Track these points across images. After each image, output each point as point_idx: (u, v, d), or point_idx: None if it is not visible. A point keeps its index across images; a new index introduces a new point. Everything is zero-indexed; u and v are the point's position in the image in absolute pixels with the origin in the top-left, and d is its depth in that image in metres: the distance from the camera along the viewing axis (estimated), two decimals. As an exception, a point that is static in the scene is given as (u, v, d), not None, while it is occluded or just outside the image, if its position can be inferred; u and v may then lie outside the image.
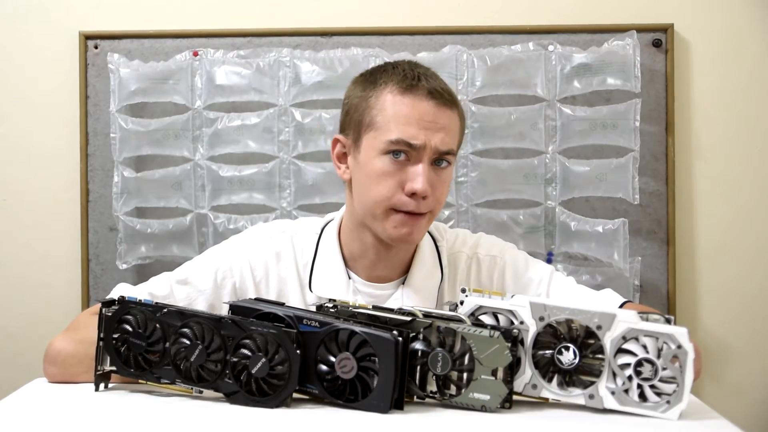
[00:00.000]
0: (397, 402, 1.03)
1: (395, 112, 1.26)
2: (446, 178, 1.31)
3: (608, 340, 1.02)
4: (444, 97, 1.27)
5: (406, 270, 1.38)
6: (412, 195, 1.26)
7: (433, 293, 1.37)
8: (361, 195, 1.31)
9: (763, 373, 2.10)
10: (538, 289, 1.38)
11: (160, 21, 2.11)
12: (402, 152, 1.26)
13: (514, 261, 1.41)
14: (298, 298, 1.38)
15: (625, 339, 1.02)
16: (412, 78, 1.28)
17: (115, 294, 1.33)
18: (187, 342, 1.08)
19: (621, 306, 1.31)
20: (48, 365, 1.23)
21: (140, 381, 1.12)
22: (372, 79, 1.32)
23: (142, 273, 2.06)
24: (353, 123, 1.32)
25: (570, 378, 1.04)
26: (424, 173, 1.25)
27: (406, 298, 1.36)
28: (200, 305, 1.36)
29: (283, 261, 1.39)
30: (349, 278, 1.37)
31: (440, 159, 1.28)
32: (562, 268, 1.99)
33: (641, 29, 2.03)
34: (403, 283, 1.37)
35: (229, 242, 1.44)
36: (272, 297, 1.38)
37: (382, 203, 1.28)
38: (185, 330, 1.08)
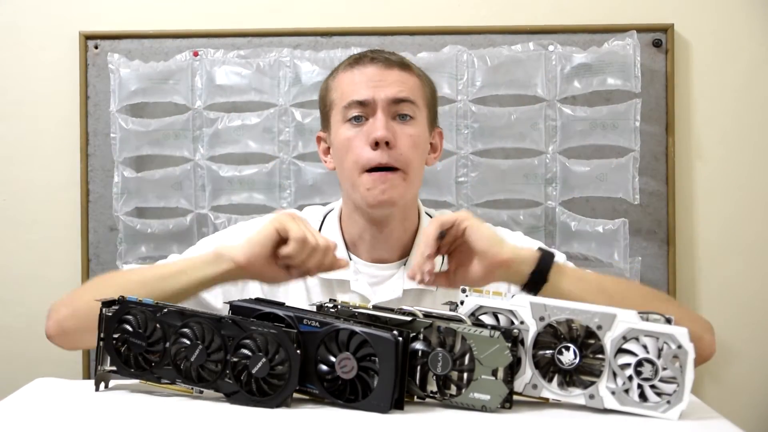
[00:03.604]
0: (397, 402, 1.03)
1: (345, 84, 1.35)
2: (412, 132, 1.34)
3: (608, 340, 1.02)
4: (390, 60, 1.35)
5: (407, 252, 1.40)
6: (376, 146, 1.30)
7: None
8: (341, 171, 1.37)
9: (763, 373, 2.09)
10: None
11: (160, 21, 2.11)
12: (358, 117, 1.33)
13: (524, 242, 1.42)
14: (299, 282, 1.39)
15: (625, 339, 1.02)
16: (360, 55, 1.38)
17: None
18: (187, 342, 1.08)
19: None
20: (46, 323, 1.29)
21: (140, 381, 1.12)
22: (331, 72, 1.43)
23: (142, 273, 2.06)
24: (323, 114, 1.42)
25: (570, 378, 1.04)
26: (380, 120, 1.31)
27: (407, 278, 1.36)
28: None
29: None
30: (350, 259, 1.38)
31: (401, 114, 1.32)
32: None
33: (641, 29, 2.03)
34: (405, 265, 1.38)
35: (234, 226, 1.53)
36: None
37: (354, 167, 1.33)
38: (185, 330, 1.08)
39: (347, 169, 1.35)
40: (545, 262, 1.17)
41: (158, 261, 1.44)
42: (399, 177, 1.32)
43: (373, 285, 1.38)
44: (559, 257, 1.41)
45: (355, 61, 1.37)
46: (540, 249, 1.20)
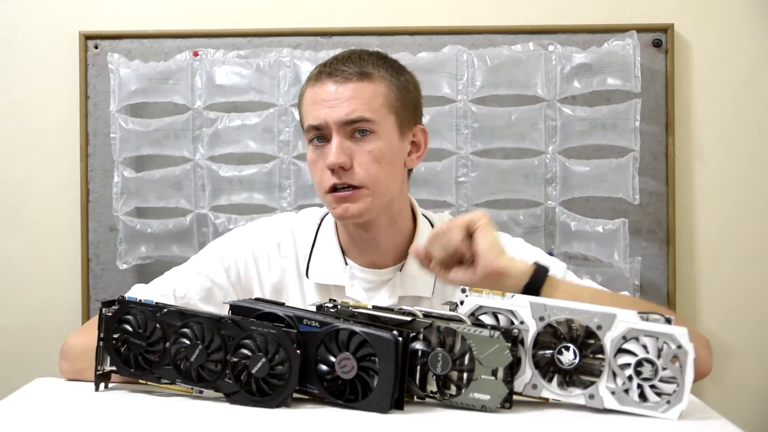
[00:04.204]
0: (397, 402, 1.03)
1: (307, 103, 1.34)
2: (372, 148, 1.31)
3: (608, 340, 1.02)
4: (346, 73, 1.31)
5: (403, 256, 1.39)
6: (333, 171, 1.30)
7: (429, 280, 1.37)
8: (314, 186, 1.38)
9: (763, 373, 2.10)
10: None
11: (160, 21, 2.11)
12: (320, 137, 1.32)
13: (524, 252, 1.40)
14: (296, 289, 1.40)
15: (625, 339, 1.02)
16: (321, 66, 1.35)
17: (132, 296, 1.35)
18: (187, 342, 1.08)
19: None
20: (61, 361, 1.26)
21: (140, 381, 1.12)
22: (306, 80, 1.39)
23: (142, 273, 2.06)
24: (300, 123, 1.40)
25: (570, 378, 1.04)
26: (334, 146, 1.30)
27: (403, 285, 1.36)
28: (216, 294, 1.38)
29: (284, 252, 1.42)
30: (346, 264, 1.38)
31: (359, 130, 1.30)
32: (563, 268, 1.99)
33: (641, 29, 2.03)
34: (401, 270, 1.38)
35: (233, 234, 1.47)
36: (273, 286, 1.41)
37: (319, 188, 1.34)
38: (185, 330, 1.08)
39: (315, 187, 1.36)
40: (538, 277, 1.16)
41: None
42: (362, 194, 1.31)
43: (369, 290, 1.37)
44: (559, 267, 1.40)
45: (316, 76, 1.34)
46: (535, 263, 1.19)
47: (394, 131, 1.33)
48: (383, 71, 1.34)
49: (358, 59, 1.34)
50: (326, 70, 1.33)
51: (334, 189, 1.31)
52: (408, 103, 1.36)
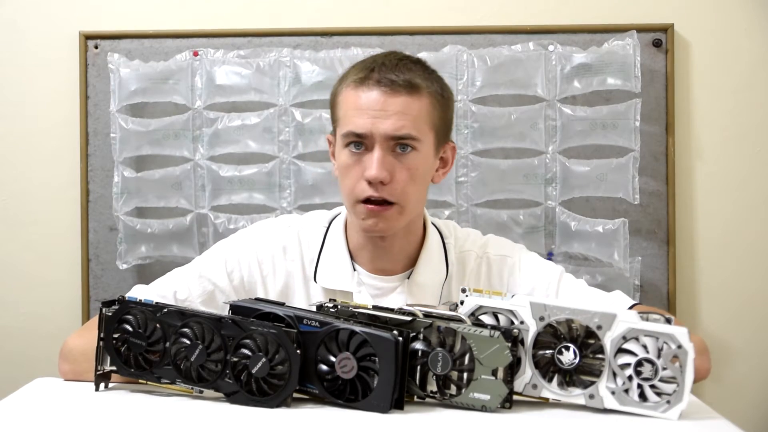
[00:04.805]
0: (397, 402, 1.03)
1: (348, 106, 1.30)
2: (411, 165, 1.29)
3: (608, 340, 1.02)
4: (396, 84, 1.28)
5: (412, 264, 1.38)
6: (370, 183, 1.28)
7: (437, 289, 1.37)
8: (342, 188, 1.35)
9: (763, 373, 2.10)
10: (547, 291, 1.37)
11: (160, 21, 2.11)
12: (358, 143, 1.29)
13: (524, 261, 1.41)
14: (302, 293, 1.39)
15: (625, 339, 1.02)
16: (368, 70, 1.30)
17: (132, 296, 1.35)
18: (188, 342, 1.08)
19: (630, 308, 1.31)
20: (61, 362, 1.25)
21: (140, 381, 1.12)
22: (343, 75, 1.36)
23: (142, 273, 2.06)
24: (332, 120, 1.38)
25: (570, 378, 1.04)
26: (377, 159, 1.27)
27: (410, 293, 1.36)
28: (218, 297, 1.38)
29: (289, 255, 1.41)
30: (354, 270, 1.38)
31: (401, 145, 1.28)
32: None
33: (641, 29, 2.03)
34: (408, 278, 1.37)
35: (237, 236, 1.46)
36: (278, 290, 1.40)
37: (349, 196, 1.32)
38: (185, 330, 1.08)
39: (345, 192, 1.33)
40: None
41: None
42: (394, 211, 1.30)
43: (376, 297, 1.36)
44: (556, 270, 1.40)
45: (362, 80, 1.29)
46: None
47: (431, 149, 1.32)
48: (429, 85, 1.31)
49: (406, 69, 1.30)
50: (374, 77, 1.28)
51: (367, 200, 1.29)
52: (447, 121, 1.35)
